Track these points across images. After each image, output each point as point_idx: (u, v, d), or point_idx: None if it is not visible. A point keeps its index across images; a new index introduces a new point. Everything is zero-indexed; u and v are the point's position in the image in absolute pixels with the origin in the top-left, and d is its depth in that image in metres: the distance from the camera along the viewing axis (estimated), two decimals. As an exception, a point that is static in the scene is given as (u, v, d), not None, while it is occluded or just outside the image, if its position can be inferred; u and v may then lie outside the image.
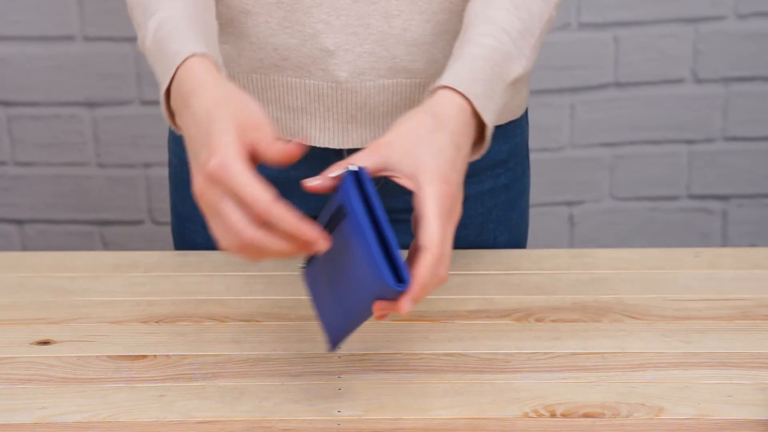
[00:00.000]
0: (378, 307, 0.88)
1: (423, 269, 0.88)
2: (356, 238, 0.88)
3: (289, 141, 0.89)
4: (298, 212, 0.86)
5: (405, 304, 0.87)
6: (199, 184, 0.88)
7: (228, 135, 0.88)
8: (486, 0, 1.04)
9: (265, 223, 0.86)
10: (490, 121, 0.98)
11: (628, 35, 2.06)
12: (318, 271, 0.95)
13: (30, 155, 2.10)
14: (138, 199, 2.13)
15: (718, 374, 1.00)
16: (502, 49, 1.01)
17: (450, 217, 0.91)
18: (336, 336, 0.95)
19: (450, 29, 1.13)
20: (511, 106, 1.23)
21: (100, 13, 2.00)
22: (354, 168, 0.89)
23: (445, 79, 0.97)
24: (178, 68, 0.95)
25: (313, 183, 0.90)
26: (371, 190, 0.89)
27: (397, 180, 0.92)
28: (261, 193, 0.85)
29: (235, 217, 0.86)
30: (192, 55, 0.95)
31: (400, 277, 0.87)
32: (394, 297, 0.88)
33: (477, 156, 1.00)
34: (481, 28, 1.01)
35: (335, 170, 0.91)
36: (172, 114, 0.98)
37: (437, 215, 0.89)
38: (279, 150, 0.88)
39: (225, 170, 0.86)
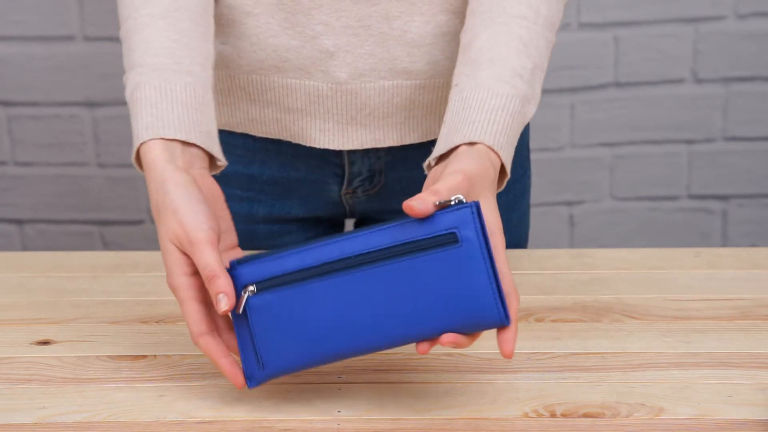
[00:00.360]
0: (451, 339, 0.90)
1: (515, 312, 0.91)
2: (466, 268, 0.89)
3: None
4: (219, 349, 0.94)
5: (510, 343, 0.91)
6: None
7: (171, 261, 0.95)
8: (494, 36, 1.03)
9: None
10: (510, 170, 1.00)
11: (628, 35, 2.06)
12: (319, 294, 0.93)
13: (30, 155, 2.10)
14: (138, 199, 2.13)
15: (718, 374, 1.00)
16: (519, 95, 1.01)
17: None
18: (284, 367, 0.94)
19: (450, 30, 1.13)
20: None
21: (100, 13, 2.00)
22: (476, 201, 0.90)
23: (474, 135, 0.98)
24: (138, 148, 0.99)
25: (417, 208, 0.89)
26: (484, 225, 0.90)
27: None
28: (191, 324, 0.94)
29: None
30: (149, 140, 0.98)
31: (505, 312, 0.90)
32: (479, 330, 0.91)
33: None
34: (497, 71, 1.01)
35: (439, 198, 0.91)
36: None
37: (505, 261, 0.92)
38: (218, 301, 0.93)
39: (175, 292, 0.95)
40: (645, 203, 2.18)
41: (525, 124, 1.02)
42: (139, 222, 2.14)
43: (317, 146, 1.17)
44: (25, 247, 2.16)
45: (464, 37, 1.05)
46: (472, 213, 0.89)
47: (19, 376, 1.00)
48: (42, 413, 0.95)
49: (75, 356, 1.04)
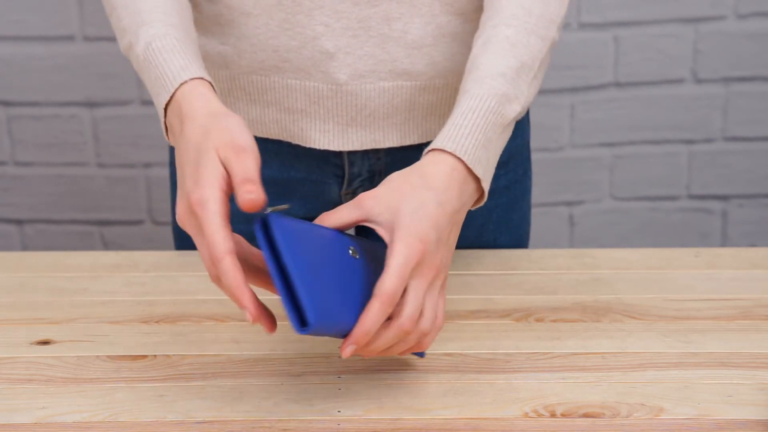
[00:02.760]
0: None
1: (367, 315, 0.89)
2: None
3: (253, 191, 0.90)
4: (242, 276, 0.88)
5: (344, 347, 0.90)
6: (181, 211, 0.92)
7: (213, 171, 0.90)
8: (483, 45, 1.04)
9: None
10: (482, 174, 0.98)
11: (628, 35, 2.06)
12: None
13: (30, 155, 2.10)
14: (138, 199, 2.13)
15: (718, 374, 1.00)
16: (497, 93, 1.00)
17: (418, 272, 0.92)
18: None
19: (450, 32, 1.13)
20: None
21: (100, 13, 2.00)
22: (265, 212, 0.90)
23: (436, 142, 0.98)
24: (176, 90, 0.97)
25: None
26: (279, 235, 0.89)
27: (377, 231, 0.94)
28: (220, 242, 0.88)
29: (203, 252, 0.90)
30: (190, 79, 0.97)
31: (304, 320, 0.87)
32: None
33: (478, 205, 1.01)
34: (474, 74, 1.02)
35: (331, 221, 0.94)
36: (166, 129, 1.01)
37: (397, 268, 0.90)
38: (244, 196, 0.89)
39: (202, 207, 0.89)
40: (645, 203, 2.18)
41: (505, 123, 1.01)
42: (139, 222, 2.14)
43: (317, 147, 1.17)
44: (25, 247, 2.16)
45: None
46: (255, 228, 0.90)
47: (19, 376, 1.00)
48: (42, 413, 0.95)
49: (75, 356, 1.04)
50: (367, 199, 0.95)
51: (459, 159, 0.97)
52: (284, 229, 0.89)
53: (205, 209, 0.89)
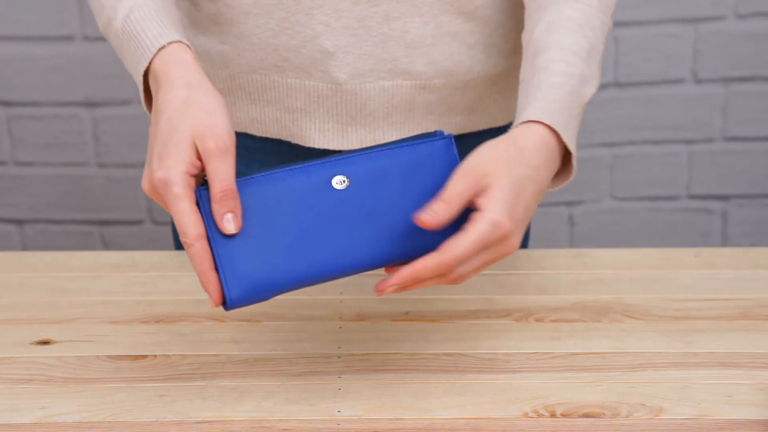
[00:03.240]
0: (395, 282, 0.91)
1: (423, 266, 0.90)
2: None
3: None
4: (210, 262, 0.90)
5: (386, 287, 0.90)
6: (145, 184, 0.92)
7: (181, 152, 0.90)
8: (549, 23, 1.02)
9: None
10: (575, 149, 0.98)
11: (628, 35, 2.06)
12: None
13: (30, 155, 2.10)
14: (138, 199, 2.13)
15: (718, 374, 1.00)
16: (575, 73, 0.99)
17: (492, 248, 0.91)
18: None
19: (450, 31, 1.13)
20: (515, 108, 1.23)
21: (100, 13, 2.00)
22: (201, 187, 0.92)
23: (530, 113, 0.96)
24: (154, 56, 0.97)
25: (428, 222, 0.91)
26: (205, 207, 0.90)
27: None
28: (190, 226, 0.89)
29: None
30: (168, 44, 0.97)
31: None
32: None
33: (562, 185, 1.00)
34: (551, 53, 1.00)
35: (449, 207, 0.92)
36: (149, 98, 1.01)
37: (476, 241, 0.90)
38: (222, 212, 0.90)
39: (166, 188, 0.90)
40: (645, 203, 2.18)
41: (585, 103, 1.00)
42: (139, 222, 2.14)
43: (317, 146, 1.17)
44: (25, 247, 2.16)
45: (524, 38, 1.05)
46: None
47: (19, 376, 1.00)
48: (42, 413, 0.95)
49: (75, 356, 1.04)
50: (474, 171, 0.92)
51: (555, 133, 0.96)
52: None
53: (170, 192, 0.89)
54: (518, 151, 0.94)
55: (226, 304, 0.91)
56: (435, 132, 0.95)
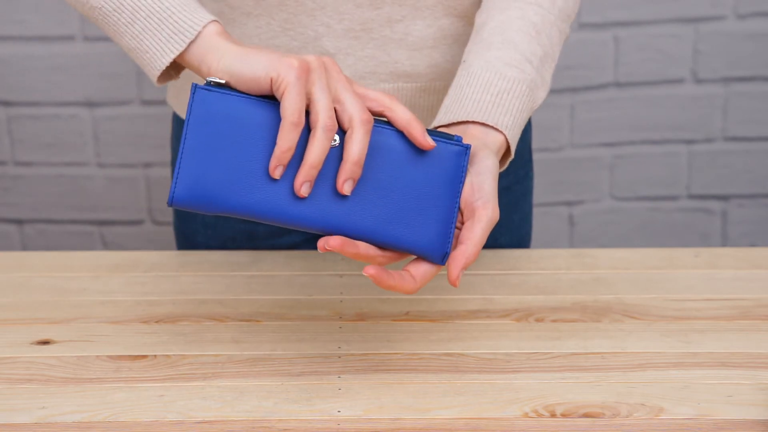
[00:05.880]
0: (372, 273, 0.92)
1: (456, 268, 0.93)
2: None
3: None
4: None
5: (455, 273, 0.93)
6: (309, 59, 0.90)
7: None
8: (508, 17, 1.04)
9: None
10: (514, 151, 1.02)
11: (628, 35, 2.06)
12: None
13: (30, 155, 2.10)
14: (138, 199, 2.13)
15: (718, 374, 1.00)
16: (526, 80, 1.02)
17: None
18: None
19: (452, 34, 1.13)
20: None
21: (100, 13, 2.00)
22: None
23: (477, 115, 0.99)
24: (196, 37, 0.95)
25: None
26: (194, 108, 0.91)
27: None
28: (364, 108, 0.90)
29: (314, 100, 0.89)
30: (209, 23, 0.95)
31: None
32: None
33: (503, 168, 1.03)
34: (504, 54, 1.02)
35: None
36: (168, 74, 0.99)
37: (481, 237, 0.93)
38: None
39: (336, 67, 0.91)
40: (645, 203, 2.18)
41: (533, 109, 1.03)
42: (139, 222, 2.14)
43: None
44: (25, 247, 2.16)
45: (479, 18, 1.06)
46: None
47: (19, 376, 1.00)
48: (42, 413, 0.95)
49: (75, 356, 1.04)
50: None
51: (505, 137, 1.00)
52: (205, 103, 0.90)
53: (341, 72, 0.91)
54: (495, 155, 0.98)
55: (170, 199, 0.90)
56: (453, 136, 0.95)
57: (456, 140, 0.94)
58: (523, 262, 1.22)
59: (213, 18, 0.96)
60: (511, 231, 1.29)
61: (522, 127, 1.02)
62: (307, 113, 0.90)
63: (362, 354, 1.03)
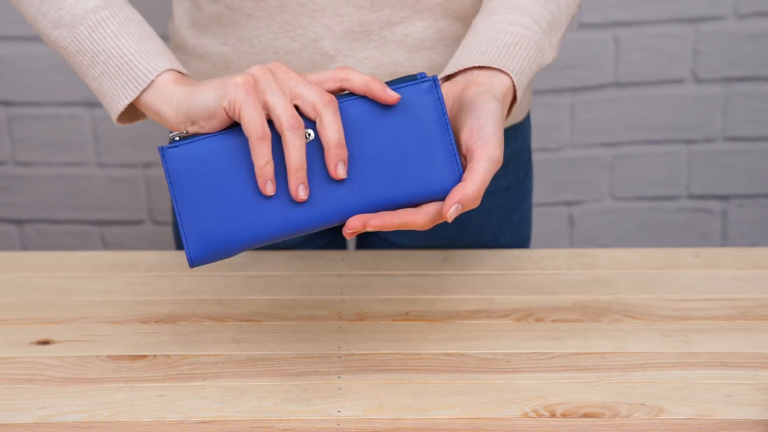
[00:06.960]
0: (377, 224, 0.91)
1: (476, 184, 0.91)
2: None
3: None
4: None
5: (450, 208, 0.91)
6: (251, 72, 0.91)
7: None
8: None
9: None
10: (520, 96, 1.01)
11: (628, 35, 2.06)
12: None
13: (30, 155, 2.10)
14: (138, 199, 2.13)
15: (718, 374, 1.00)
16: (533, 38, 1.01)
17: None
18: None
19: (452, 35, 1.13)
20: (514, 110, 1.23)
21: (100, 13, 2.00)
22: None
23: (490, 61, 0.98)
24: (148, 86, 0.98)
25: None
26: (169, 169, 0.92)
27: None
28: (323, 90, 0.90)
29: (273, 104, 0.89)
30: (163, 72, 0.98)
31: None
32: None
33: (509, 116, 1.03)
34: (512, 16, 1.02)
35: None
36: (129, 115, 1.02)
37: (484, 177, 0.92)
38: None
39: (284, 68, 0.91)
40: (645, 203, 2.18)
41: (541, 66, 1.02)
42: (139, 222, 2.14)
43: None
44: (25, 247, 2.16)
45: None
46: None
47: (19, 376, 1.00)
48: (42, 413, 0.95)
49: (75, 356, 1.04)
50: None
51: (513, 83, 0.98)
52: (176, 159, 0.91)
53: (290, 70, 0.91)
54: (499, 101, 0.96)
55: (189, 261, 0.91)
56: (416, 75, 0.93)
57: (420, 77, 0.92)
58: (523, 262, 1.22)
59: (169, 66, 0.98)
60: (511, 231, 1.29)
61: (530, 78, 1.01)
62: (272, 123, 0.90)
63: (362, 354, 1.03)
